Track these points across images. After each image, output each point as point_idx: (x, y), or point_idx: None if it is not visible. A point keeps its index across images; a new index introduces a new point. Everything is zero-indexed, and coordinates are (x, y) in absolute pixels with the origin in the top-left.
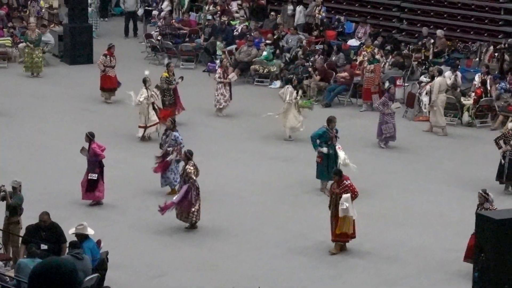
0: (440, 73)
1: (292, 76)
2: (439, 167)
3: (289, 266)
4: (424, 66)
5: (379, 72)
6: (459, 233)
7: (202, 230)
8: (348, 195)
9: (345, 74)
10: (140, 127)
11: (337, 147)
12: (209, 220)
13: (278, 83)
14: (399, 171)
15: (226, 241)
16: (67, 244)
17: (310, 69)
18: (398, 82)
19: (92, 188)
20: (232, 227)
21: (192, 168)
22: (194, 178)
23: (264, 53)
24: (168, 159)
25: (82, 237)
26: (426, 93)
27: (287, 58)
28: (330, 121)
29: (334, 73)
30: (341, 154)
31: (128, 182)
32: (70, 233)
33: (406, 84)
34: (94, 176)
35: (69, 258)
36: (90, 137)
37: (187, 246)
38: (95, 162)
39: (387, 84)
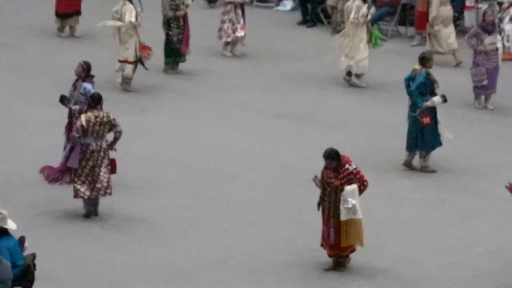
0: None
1: None
2: None
3: (303, 274)
4: None
5: None
6: None
7: (174, 224)
8: (354, 186)
9: None
10: (123, 61)
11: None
12: (184, 209)
13: (289, 4)
14: (476, 139)
15: (210, 240)
16: None
17: None
18: (468, 3)
19: None
20: (219, 220)
21: (83, 119)
22: (76, 134)
23: None
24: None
25: None
26: (511, 19)
27: None
28: (427, 59)
29: None
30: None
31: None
32: None
33: (479, 6)
34: None
35: None
36: None
37: (149, 248)
38: None
39: (484, 6)
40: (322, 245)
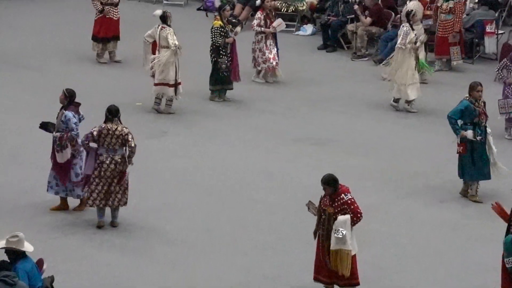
0: None
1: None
2: None
3: None
4: None
5: (461, 14)
6: None
7: (194, 247)
8: (347, 216)
9: None
10: (160, 84)
11: (488, 132)
12: (204, 232)
13: (309, 29)
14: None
15: (230, 263)
16: None
17: (356, 7)
18: (488, 29)
19: None
20: (239, 243)
21: (96, 129)
22: (85, 140)
23: None
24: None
25: (16, 255)
26: None
27: None
28: (471, 88)
29: (393, 15)
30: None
31: None
32: None
33: (500, 32)
34: None
35: None
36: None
37: (170, 270)
38: None
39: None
40: (315, 278)
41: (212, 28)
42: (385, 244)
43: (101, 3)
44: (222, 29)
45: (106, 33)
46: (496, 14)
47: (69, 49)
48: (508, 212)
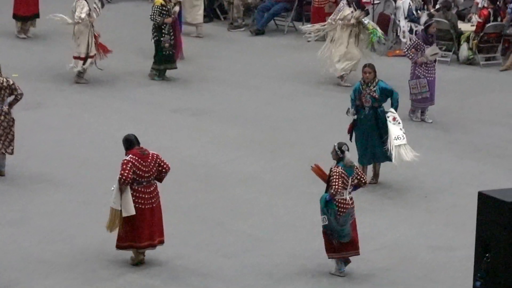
0: None
1: None
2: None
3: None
4: None
5: None
6: (451, 224)
7: (71, 218)
8: (119, 176)
9: None
10: (76, 58)
11: (388, 117)
12: (81, 204)
13: None
14: None
15: (107, 235)
16: None
17: None
18: None
19: None
20: None
21: None
22: None
23: None
24: None
25: None
26: (406, 17)
27: None
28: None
29: None
30: (394, 130)
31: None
32: None
33: (376, 1)
34: None
35: None
36: None
37: (47, 242)
38: None
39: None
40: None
41: (153, 6)
42: (262, 214)
43: None
44: (164, 8)
45: (26, 11)
46: None
47: None
48: (327, 173)
